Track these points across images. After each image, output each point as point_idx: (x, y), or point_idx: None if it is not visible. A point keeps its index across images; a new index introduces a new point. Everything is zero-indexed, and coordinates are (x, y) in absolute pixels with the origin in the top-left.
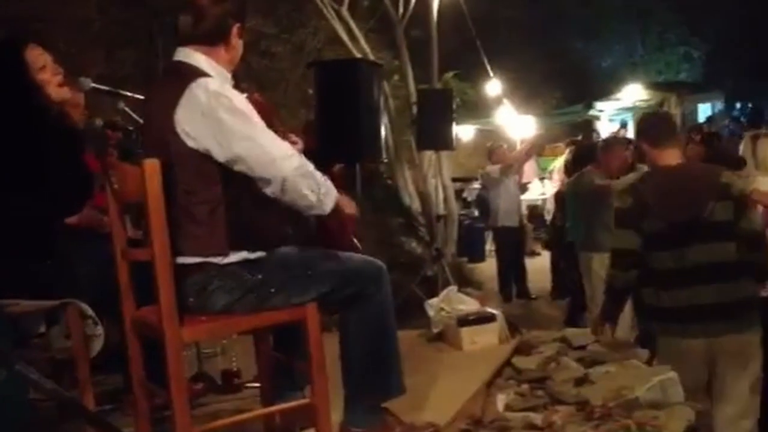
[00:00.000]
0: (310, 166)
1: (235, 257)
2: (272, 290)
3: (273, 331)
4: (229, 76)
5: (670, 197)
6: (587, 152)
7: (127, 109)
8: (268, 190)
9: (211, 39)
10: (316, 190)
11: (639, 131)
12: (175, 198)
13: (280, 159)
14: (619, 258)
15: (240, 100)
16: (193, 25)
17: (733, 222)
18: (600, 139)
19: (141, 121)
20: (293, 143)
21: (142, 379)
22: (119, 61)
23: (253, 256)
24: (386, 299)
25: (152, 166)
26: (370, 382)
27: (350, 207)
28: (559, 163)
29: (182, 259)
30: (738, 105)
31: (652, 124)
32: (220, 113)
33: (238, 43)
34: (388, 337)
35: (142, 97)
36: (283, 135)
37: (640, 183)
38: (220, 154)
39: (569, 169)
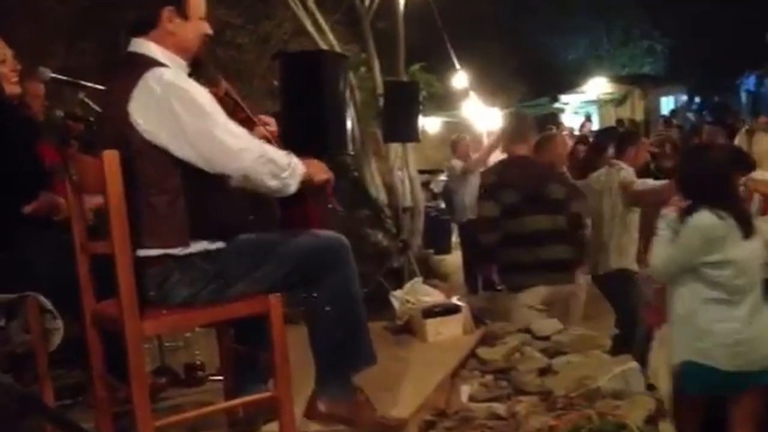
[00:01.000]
0: (270, 151)
1: (194, 248)
2: (233, 279)
3: (235, 323)
4: (183, 63)
5: (522, 178)
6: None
7: (87, 100)
8: (231, 182)
9: (142, 27)
10: (279, 174)
11: (502, 129)
12: (134, 190)
13: (237, 152)
14: (484, 223)
15: (196, 90)
16: (131, 16)
17: (564, 201)
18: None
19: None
20: (266, 124)
21: (103, 373)
22: (80, 52)
23: (212, 246)
24: (350, 271)
25: (112, 157)
26: (340, 353)
27: (322, 172)
28: None
29: (143, 252)
30: (697, 99)
31: (511, 124)
32: (175, 106)
33: (180, 27)
34: (354, 308)
35: (102, 88)
36: (254, 120)
37: (500, 166)
38: (176, 150)
39: None
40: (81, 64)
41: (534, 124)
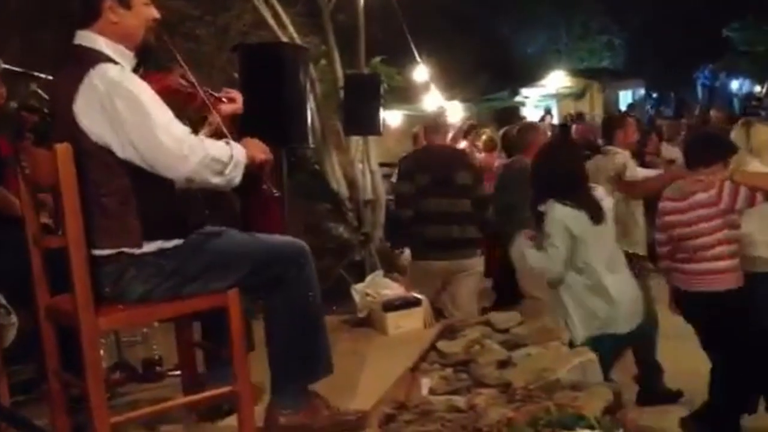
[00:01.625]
0: (212, 149)
1: (150, 247)
2: (189, 277)
3: (202, 319)
4: (130, 53)
5: (434, 163)
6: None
7: (40, 91)
8: (176, 184)
9: (86, 19)
10: (222, 171)
11: (424, 126)
12: (85, 189)
13: (179, 158)
14: (401, 201)
15: (140, 89)
16: (76, 7)
17: (471, 186)
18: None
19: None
20: (232, 100)
21: (57, 369)
22: (36, 43)
23: (169, 244)
24: (309, 279)
25: (64, 150)
26: (296, 362)
27: (261, 152)
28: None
29: (97, 252)
30: (654, 95)
31: (432, 119)
32: (117, 105)
33: (123, 16)
34: (313, 317)
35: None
36: (210, 105)
37: (419, 152)
38: (119, 151)
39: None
40: (38, 56)
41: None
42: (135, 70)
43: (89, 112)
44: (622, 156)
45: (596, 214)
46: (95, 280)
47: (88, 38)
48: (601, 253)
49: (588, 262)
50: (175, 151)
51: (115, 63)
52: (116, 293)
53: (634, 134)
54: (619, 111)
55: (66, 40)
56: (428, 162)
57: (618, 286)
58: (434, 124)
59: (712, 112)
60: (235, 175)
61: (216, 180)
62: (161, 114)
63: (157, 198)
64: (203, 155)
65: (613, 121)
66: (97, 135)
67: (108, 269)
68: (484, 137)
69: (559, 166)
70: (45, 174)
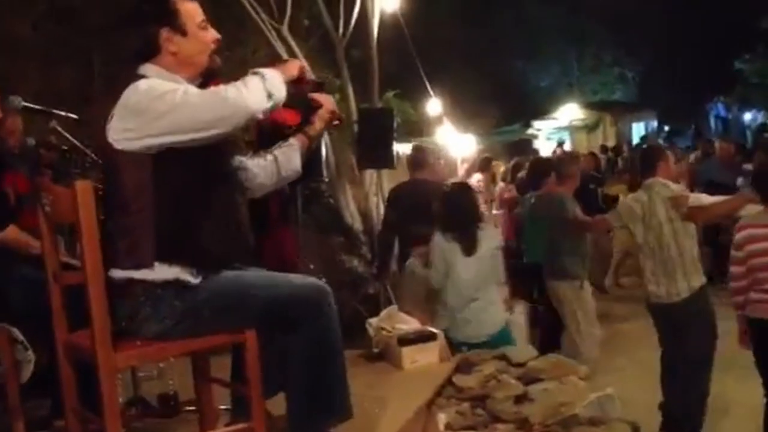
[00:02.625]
0: (237, 85)
1: (164, 273)
2: (205, 319)
3: (233, 351)
4: (182, 80)
5: (413, 194)
6: (544, 168)
7: (59, 128)
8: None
9: (145, 55)
10: (264, 89)
11: (406, 158)
12: (110, 213)
13: (221, 104)
14: (385, 226)
15: (170, 85)
16: (133, 45)
17: None
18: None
19: (74, 141)
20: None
21: (75, 405)
22: (55, 79)
23: (184, 277)
24: (329, 323)
25: (84, 187)
26: (313, 407)
27: (292, 67)
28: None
29: (111, 273)
30: (666, 127)
31: (412, 155)
32: (152, 105)
33: (178, 46)
34: (331, 362)
35: (74, 116)
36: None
37: (403, 184)
38: (156, 143)
39: (522, 186)
40: (55, 91)
41: (435, 151)
42: None
43: (121, 117)
44: (676, 186)
45: (468, 248)
46: (112, 315)
47: (144, 69)
48: (467, 280)
49: (455, 284)
50: (214, 101)
51: None
52: (132, 329)
53: (673, 166)
54: (631, 143)
55: (83, 75)
56: (408, 193)
57: (461, 303)
58: (414, 160)
59: (717, 144)
60: (277, 90)
61: (264, 102)
62: (191, 95)
63: (181, 221)
64: (236, 91)
65: (654, 153)
66: (128, 143)
67: (123, 304)
68: (502, 169)
69: (453, 203)
70: (65, 211)
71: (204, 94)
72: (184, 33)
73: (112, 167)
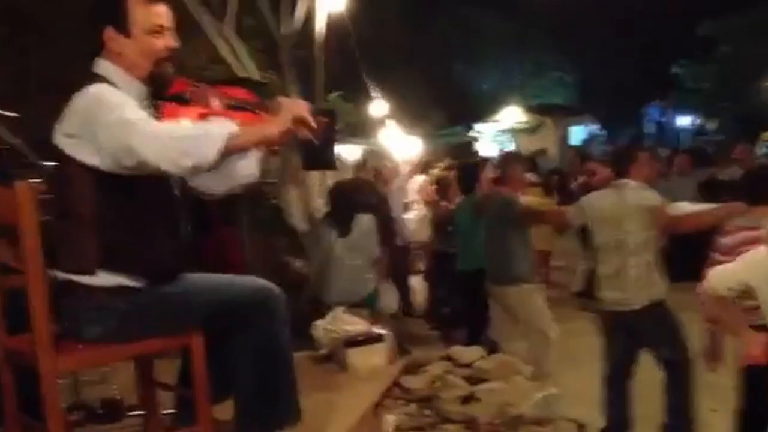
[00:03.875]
0: (181, 130)
1: (106, 280)
2: (146, 322)
3: (182, 357)
4: (138, 83)
5: (349, 190)
6: (473, 171)
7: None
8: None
9: (93, 51)
10: (188, 152)
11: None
12: (54, 213)
13: (147, 134)
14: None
15: (118, 96)
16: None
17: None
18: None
19: (13, 140)
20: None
21: (16, 413)
22: None
23: (128, 282)
24: (276, 326)
25: (25, 187)
26: (260, 411)
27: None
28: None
29: (55, 273)
30: (606, 131)
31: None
32: (92, 108)
33: (125, 45)
34: (279, 365)
35: (15, 115)
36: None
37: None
38: (88, 144)
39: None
40: None
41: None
42: (153, 102)
43: (69, 123)
44: (652, 192)
45: (343, 231)
46: (53, 316)
47: (99, 66)
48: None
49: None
50: (144, 128)
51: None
52: (73, 331)
53: (647, 168)
54: (571, 146)
55: (20, 73)
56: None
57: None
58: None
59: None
60: (207, 151)
61: (185, 160)
62: (131, 106)
63: (125, 229)
64: (170, 132)
65: (628, 154)
66: (75, 151)
67: (65, 306)
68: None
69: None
70: (5, 212)
71: (157, 128)
72: (127, 34)
73: (59, 169)
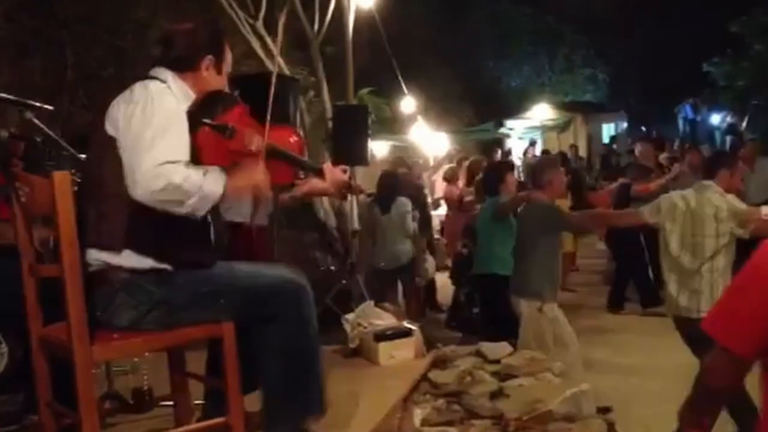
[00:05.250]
0: (176, 176)
1: (136, 262)
2: (178, 307)
3: (209, 348)
4: (192, 96)
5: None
6: (498, 172)
7: (35, 119)
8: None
9: (179, 66)
10: (184, 201)
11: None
12: (87, 193)
13: (140, 177)
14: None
15: (164, 104)
16: (163, 52)
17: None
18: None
19: (49, 132)
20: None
21: (50, 400)
22: (27, 70)
23: (159, 265)
24: (305, 317)
25: (62, 178)
26: (288, 401)
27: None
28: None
29: (87, 258)
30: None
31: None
32: (137, 104)
33: (210, 76)
34: (307, 356)
35: (49, 108)
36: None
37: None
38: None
39: (480, 189)
40: (27, 82)
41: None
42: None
43: (117, 107)
44: (732, 198)
45: (384, 210)
46: (87, 305)
47: (160, 72)
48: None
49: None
50: (146, 164)
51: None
52: (107, 318)
53: (733, 179)
54: (603, 144)
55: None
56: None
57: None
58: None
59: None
60: (200, 207)
61: (180, 208)
62: (164, 127)
63: (160, 216)
64: (168, 180)
65: (721, 158)
66: (111, 125)
67: (98, 293)
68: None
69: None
70: (42, 202)
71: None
72: (219, 71)
73: (98, 147)
